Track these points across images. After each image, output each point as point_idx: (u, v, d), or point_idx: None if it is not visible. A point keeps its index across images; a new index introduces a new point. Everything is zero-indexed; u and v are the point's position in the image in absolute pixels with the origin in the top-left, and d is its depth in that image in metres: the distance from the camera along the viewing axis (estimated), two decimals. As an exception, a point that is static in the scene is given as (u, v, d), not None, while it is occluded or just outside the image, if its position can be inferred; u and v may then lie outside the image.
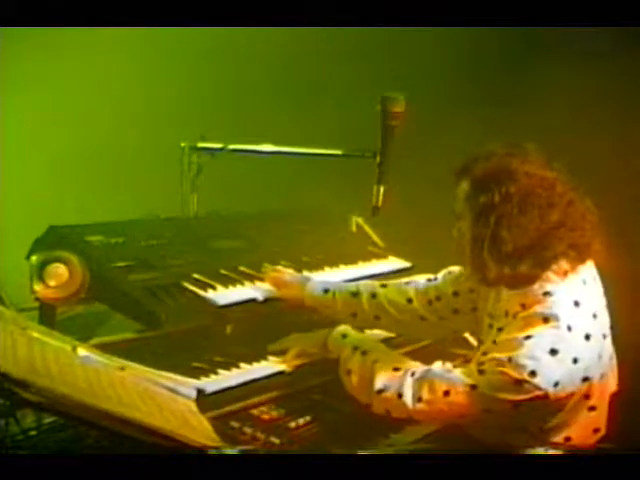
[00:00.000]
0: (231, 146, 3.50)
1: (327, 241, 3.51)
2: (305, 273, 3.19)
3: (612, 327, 2.63)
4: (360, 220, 3.69)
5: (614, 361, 2.68)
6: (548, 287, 2.46)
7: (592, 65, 3.81)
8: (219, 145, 3.49)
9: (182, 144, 3.52)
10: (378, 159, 3.17)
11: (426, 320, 2.96)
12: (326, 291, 2.99)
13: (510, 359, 2.37)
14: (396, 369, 2.59)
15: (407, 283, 3.02)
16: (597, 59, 3.82)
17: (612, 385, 2.67)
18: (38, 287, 2.67)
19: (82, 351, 2.30)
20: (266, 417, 2.67)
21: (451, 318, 2.93)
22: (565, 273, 2.48)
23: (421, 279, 3.03)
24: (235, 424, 2.57)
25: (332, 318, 3.00)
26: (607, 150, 3.74)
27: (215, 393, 2.60)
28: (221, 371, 2.72)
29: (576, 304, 2.46)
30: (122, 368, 2.32)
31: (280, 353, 2.91)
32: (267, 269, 3.09)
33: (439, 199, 3.14)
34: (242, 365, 2.78)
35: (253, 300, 2.96)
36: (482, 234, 2.45)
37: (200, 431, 2.17)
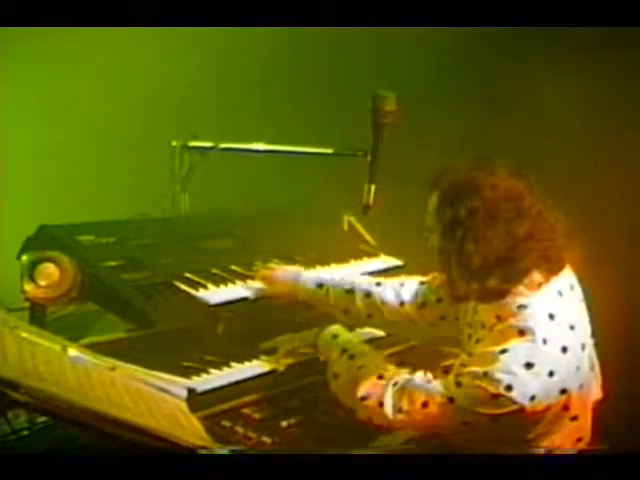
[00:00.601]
0: (222, 145, 3.49)
1: (319, 240, 3.50)
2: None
3: (594, 333, 2.60)
4: (352, 219, 3.69)
5: (597, 369, 2.64)
6: (522, 300, 2.42)
7: (581, 65, 3.82)
8: (210, 144, 3.49)
9: (173, 143, 3.51)
10: (369, 158, 3.17)
11: (416, 324, 2.99)
12: (320, 286, 3.00)
13: (486, 373, 2.34)
14: (380, 377, 2.57)
15: (401, 285, 3.01)
16: (585, 59, 3.82)
17: (595, 393, 2.64)
18: (28, 287, 2.66)
19: (72, 351, 2.29)
20: (257, 416, 2.66)
21: (439, 324, 2.95)
22: (539, 285, 2.43)
23: (414, 282, 3.02)
24: (226, 423, 2.56)
25: (325, 312, 3.03)
26: (594, 150, 3.75)
27: (206, 392, 2.60)
28: (212, 370, 2.72)
29: (551, 317, 2.42)
30: (112, 368, 2.31)
31: (271, 352, 2.92)
32: (258, 267, 3.09)
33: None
34: (233, 364, 2.79)
35: (244, 299, 2.95)
36: (449, 249, 2.43)
37: (190, 431, 2.17)
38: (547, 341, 2.38)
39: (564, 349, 2.40)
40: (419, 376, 2.53)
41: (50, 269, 2.68)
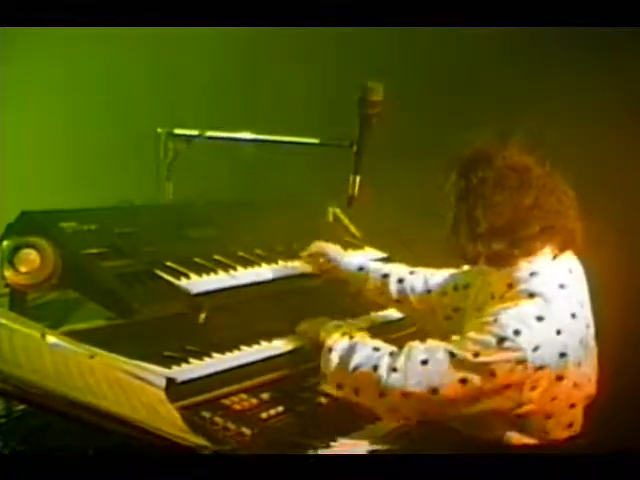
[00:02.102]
0: (208, 133, 3.47)
1: (303, 231, 3.48)
2: (280, 263, 3.20)
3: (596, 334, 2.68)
4: (337, 210, 3.68)
5: (594, 362, 2.69)
6: (534, 268, 2.54)
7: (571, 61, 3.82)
8: (196, 132, 3.47)
9: (158, 130, 3.48)
10: (355, 148, 3.15)
11: (435, 316, 3.06)
12: (360, 268, 3.18)
13: (496, 320, 2.46)
14: (376, 349, 2.64)
15: (432, 274, 3.14)
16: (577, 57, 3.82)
17: (590, 387, 2.68)
18: (8, 273, 2.63)
19: (51, 338, 2.28)
20: (237, 407, 2.66)
21: (453, 317, 2.99)
22: (551, 257, 2.57)
23: (444, 272, 3.13)
24: (206, 414, 2.55)
25: (361, 291, 3.20)
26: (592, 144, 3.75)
27: (186, 382, 2.58)
28: (193, 360, 2.70)
29: (562, 287, 2.53)
30: (91, 356, 2.29)
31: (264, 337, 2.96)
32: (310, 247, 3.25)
33: (416, 190, 3.15)
34: (214, 355, 2.77)
35: (227, 289, 2.94)
36: (460, 216, 2.59)
37: (169, 420, 2.16)
38: (557, 305, 2.50)
39: (573, 315, 2.53)
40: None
41: (31, 255, 2.65)
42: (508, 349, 2.42)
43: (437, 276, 3.11)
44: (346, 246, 3.53)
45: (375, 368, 2.57)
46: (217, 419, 2.54)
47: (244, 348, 2.86)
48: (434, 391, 2.49)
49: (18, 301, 2.71)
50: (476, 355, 2.45)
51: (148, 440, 2.03)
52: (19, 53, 4.75)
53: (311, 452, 2.52)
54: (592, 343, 2.67)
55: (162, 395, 2.32)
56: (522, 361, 2.43)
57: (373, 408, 2.66)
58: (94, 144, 4.81)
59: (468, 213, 2.56)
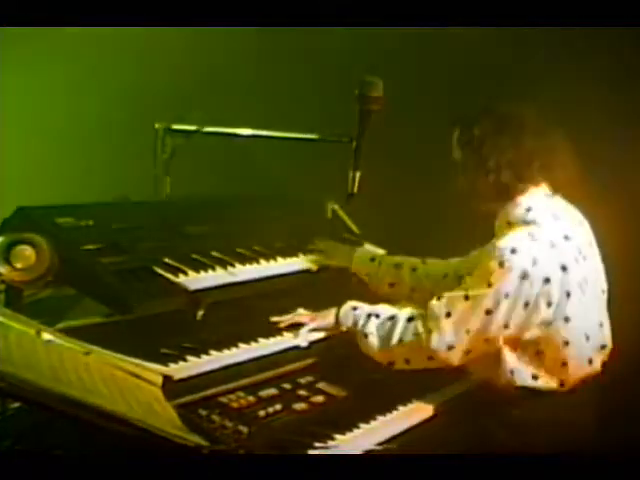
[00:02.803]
0: (206, 129, 3.45)
1: (302, 227, 3.48)
2: (279, 259, 3.19)
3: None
4: (336, 206, 3.66)
5: (604, 311, 2.95)
6: (530, 203, 2.85)
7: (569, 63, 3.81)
8: (194, 127, 3.45)
9: (156, 126, 3.46)
10: (354, 144, 3.14)
11: None
12: (373, 259, 3.32)
13: (495, 247, 2.76)
14: (410, 319, 2.85)
15: (445, 260, 3.30)
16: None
17: (603, 335, 2.91)
18: (4, 269, 2.61)
19: (46, 335, 2.26)
20: (235, 405, 2.65)
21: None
22: (548, 195, 2.89)
23: (454, 258, 3.29)
24: (203, 412, 2.54)
25: (373, 285, 3.32)
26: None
27: (183, 380, 2.57)
28: (190, 358, 2.69)
29: (555, 217, 2.85)
30: (87, 353, 2.28)
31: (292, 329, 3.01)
32: (318, 242, 3.39)
33: (415, 186, 3.14)
34: (212, 352, 2.75)
35: (225, 286, 2.92)
36: (470, 158, 2.90)
37: (165, 418, 2.15)
38: (549, 227, 2.81)
39: (566, 237, 2.81)
40: None
41: (27, 251, 2.63)
42: (510, 268, 2.69)
43: (452, 261, 3.29)
44: (344, 242, 3.53)
45: (416, 335, 2.81)
46: (214, 417, 2.53)
47: (242, 345, 2.84)
48: (468, 332, 2.77)
49: (14, 298, 2.70)
50: (489, 285, 2.71)
51: (144, 438, 2.01)
52: (19, 51, 4.74)
53: (308, 450, 2.51)
54: (599, 289, 2.95)
55: (158, 393, 2.31)
56: (525, 276, 2.69)
57: (428, 367, 2.87)
58: (91, 140, 4.80)
59: (478, 153, 2.86)
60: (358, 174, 3.14)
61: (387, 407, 2.88)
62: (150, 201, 3.40)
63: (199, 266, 2.93)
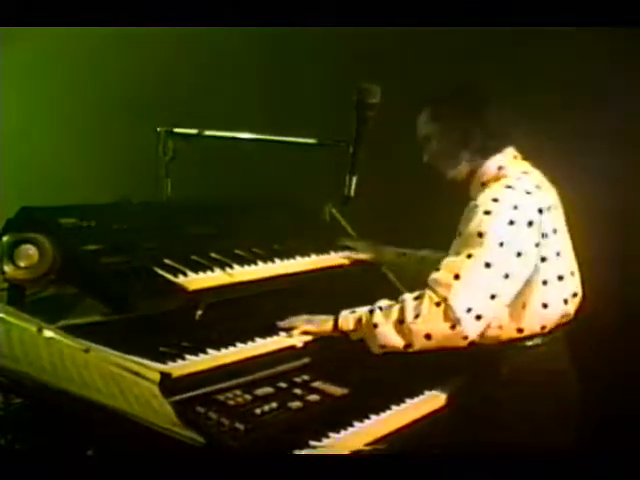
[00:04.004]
0: (207, 132, 3.50)
1: (299, 230, 3.52)
2: (276, 261, 3.21)
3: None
4: (333, 210, 3.70)
5: (574, 262, 3.13)
6: (500, 163, 3.07)
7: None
8: (195, 131, 3.50)
9: (158, 129, 3.51)
10: (351, 149, 3.18)
11: None
12: (402, 255, 3.50)
13: (475, 204, 2.93)
14: (417, 297, 2.89)
15: None
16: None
17: (574, 283, 3.10)
18: (8, 268, 2.67)
19: (47, 332, 2.30)
20: (232, 403, 2.68)
21: None
22: (516, 157, 3.11)
23: None
24: (200, 409, 2.58)
25: (400, 275, 3.53)
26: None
27: (181, 378, 2.60)
28: (188, 356, 2.72)
29: (525, 173, 3.05)
30: (87, 350, 2.32)
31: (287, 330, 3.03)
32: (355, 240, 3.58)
33: (412, 189, 3.18)
34: (209, 351, 2.79)
35: (223, 286, 2.96)
36: (444, 127, 3.11)
37: (162, 415, 2.19)
38: (522, 180, 3.00)
39: (537, 186, 3.01)
40: None
41: (30, 251, 2.69)
42: (497, 214, 2.86)
43: None
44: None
45: (432, 305, 2.83)
46: (211, 414, 2.57)
47: (239, 345, 2.88)
48: (478, 290, 2.85)
49: (16, 295, 2.74)
50: (480, 235, 2.86)
51: (141, 434, 2.06)
52: (20, 51, 4.77)
53: (304, 448, 2.55)
54: (568, 244, 3.12)
55: (156, 390, 2.35)
56: (512, 222, 2.86)
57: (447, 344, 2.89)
58: (94, 142, 4.83)
59: (449, 124, 3.09)
60: (355, 178, 3.18)
61: (381, 406, 2.94)
62: (150, 202, 3.42)
63: (198, 267, 2.96)
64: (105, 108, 4.78)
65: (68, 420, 2.18)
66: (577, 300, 3.13)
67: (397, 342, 2.89)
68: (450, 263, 2.89)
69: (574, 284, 3.11)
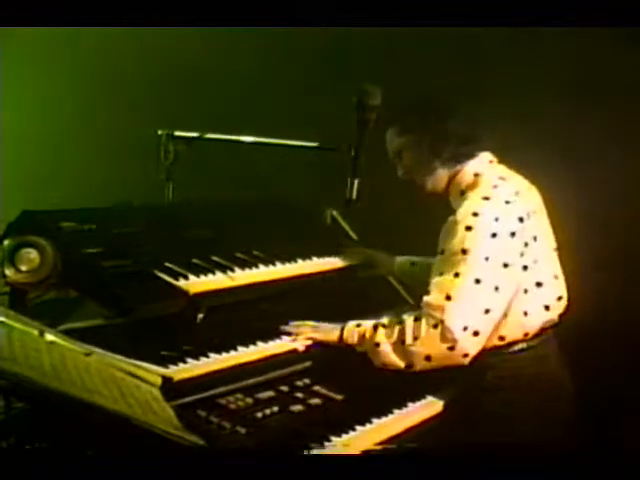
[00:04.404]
0: (208, 135, 3.50)
1: (301, 233, 3.52)
2: (278, 264, 3.20)
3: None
4: (335, 213, 3.70)
5: (558, 267, 3.12)
6: (476, 170, 3.05)
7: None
8: (196, 134, 3.50)
9: (159, 132, 3.51)
10: (353, 152, 3.18)
11: None
12: (413, 264, 3.50)
13: (455, 219, 2.89)
14: (417, 319, 2.87)
15: None
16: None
17: (559, 287, 3.10)
18: (9, 271, 2.67)
19: (49, 336, 2.31)
20: (233, 407, 2.68)
21: None
22: (490, 162, 3.10)
23: None
24: (201, 413, 2.58)
25: (410, 284, 3.52)
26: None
27: (182, 381, 2.60)
28: (189, 360, 2.71)
29: (502, 179, 3.02)
30: (88, 354, 2.32)
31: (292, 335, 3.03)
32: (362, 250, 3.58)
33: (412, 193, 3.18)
34: (211, 354, 2.78)
35: (224, 290, 2.96)
36: (415, 139, 3.07)
37: (163, 418, 2.18)
38: (500, 188, 2.97)
39: (517, 193, 2.99)
40: None
41: (31, 254, 2.69)
42: (478, 230, 2.84)
43: None
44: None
45: (430, 328, 2.83)
46: (213, 418, 2.57)
47: (240, 348, 2.88)
48: (472, 307, 2.83)
49: (18, 299, 2.74)
50: (465, 252, 2.83)
51: (143, 437, 2.06)
52: (21, 52, 4.77)
53: (304, 451, 2.55)
54: (550, 247, 3.12)
55: (157, 393, 2.35)
56: (495, 235, 2.84)
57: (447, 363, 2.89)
58: (95, 145, 4.83)
59: (420, 136, 3.06)
60: (357, 181, 3.18)
61: (383, 410, 2.93)
62: (151, 206, 3.44)
63: (199, 270, 2.96)
64: (106, 111, 4.78)
65: (69, 423, 2.18)
66: (562, 303, 3.12)
67: (398, 363, 2.90)
68: (439, 284, 2.87)
69: (558, 288, 3.11)
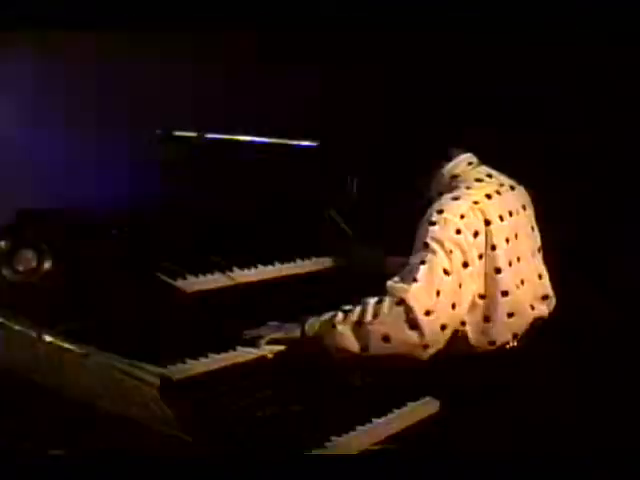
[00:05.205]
0: (207, 135, 3.49)
1: (300, 232, 3.51)
2: (276, 264, 3.20)
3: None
4: (332, 212, 3.69)
5: (541, 265, 3.16)
6: (453, 172, 3.09)
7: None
8: (195, 134, 3.49)
9: (157, 131, 3.50)
10: (352, 152, 3.18)
11: None
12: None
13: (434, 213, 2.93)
14: (379, 300, 2.83)
15: None
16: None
17: (543, 286, 3.13)
18: (6, 272, 2.66)
19: (47, 337, 2.30)
20: (232, 407, 2.68)
21: None
22: (472, 164, 3.12)
23: None
24: (201, 413, 2.56)
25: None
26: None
27: (181, 381, 2.59)
28: (188, 360, 2.70)
29: (478, 181, 3.05)
30: (86, 355, 2.31)
31: (252, 341, 2.95)
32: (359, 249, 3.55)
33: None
34: (210, 354, 2.77)
35: (223, 289, 2.96)
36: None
37: (162, 419, 2.18)
38: (472, 190, 2.99)
39: (488, 196, 2.98)
40: None
41: (28, 255, 2.68)
42: (442, 225, 2.87)
43: None
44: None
45: (392, 305, 2.79)
46: (212, 418, 2.56)
47: (240, 348, 2.87)
48: (438, 293, 2.80)
49: (15, 300, 2.73)
50: (426, 246, 2.87)
51: (142, 438, 2.05)
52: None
53: (305, 452, 2.54)
54: (534, 246, 3.15)
55: (156, 394, 2.34)
56: (459, 231, 2.86)
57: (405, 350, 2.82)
58: (92, 144, 4.82)
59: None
60: (356, 180, 3.18)
61: (383, 409, 2.93)
62: (149, 205, 3.43)
63: (197, 270, 2.96)
64: (106, 112, 4.77)
65: (68, 424, 2.18)
66: (549, 302, 3.15)
67: (353, 345, 2.82)
68: (406, 270, 2.87)
69: (542, 287, 3.13)
